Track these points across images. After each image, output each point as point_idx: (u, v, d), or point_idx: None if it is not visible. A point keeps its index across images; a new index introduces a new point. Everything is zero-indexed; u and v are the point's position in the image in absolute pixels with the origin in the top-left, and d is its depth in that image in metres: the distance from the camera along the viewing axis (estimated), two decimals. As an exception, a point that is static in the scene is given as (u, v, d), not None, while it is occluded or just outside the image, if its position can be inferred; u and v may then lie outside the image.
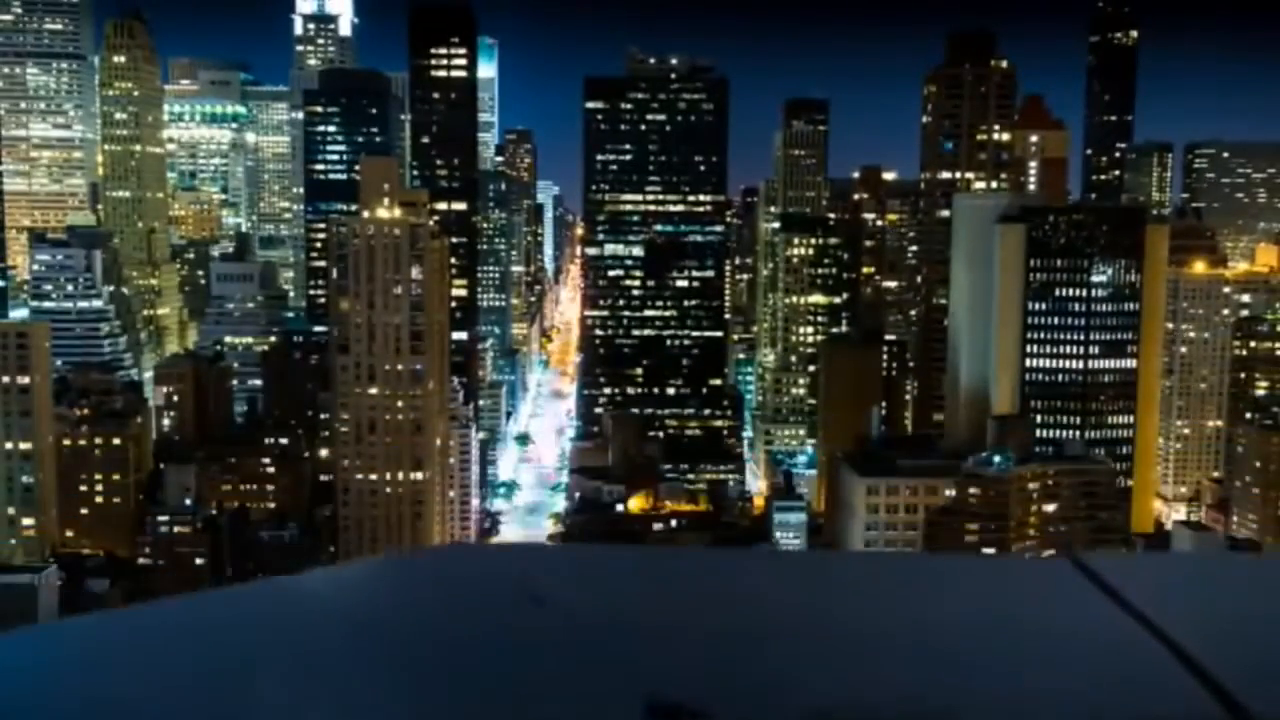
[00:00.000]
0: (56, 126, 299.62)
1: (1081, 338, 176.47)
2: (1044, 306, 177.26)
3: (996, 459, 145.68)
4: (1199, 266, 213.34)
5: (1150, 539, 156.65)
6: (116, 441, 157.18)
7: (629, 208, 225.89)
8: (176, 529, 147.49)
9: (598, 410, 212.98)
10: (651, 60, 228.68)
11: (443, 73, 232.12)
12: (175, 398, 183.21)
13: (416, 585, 4.73)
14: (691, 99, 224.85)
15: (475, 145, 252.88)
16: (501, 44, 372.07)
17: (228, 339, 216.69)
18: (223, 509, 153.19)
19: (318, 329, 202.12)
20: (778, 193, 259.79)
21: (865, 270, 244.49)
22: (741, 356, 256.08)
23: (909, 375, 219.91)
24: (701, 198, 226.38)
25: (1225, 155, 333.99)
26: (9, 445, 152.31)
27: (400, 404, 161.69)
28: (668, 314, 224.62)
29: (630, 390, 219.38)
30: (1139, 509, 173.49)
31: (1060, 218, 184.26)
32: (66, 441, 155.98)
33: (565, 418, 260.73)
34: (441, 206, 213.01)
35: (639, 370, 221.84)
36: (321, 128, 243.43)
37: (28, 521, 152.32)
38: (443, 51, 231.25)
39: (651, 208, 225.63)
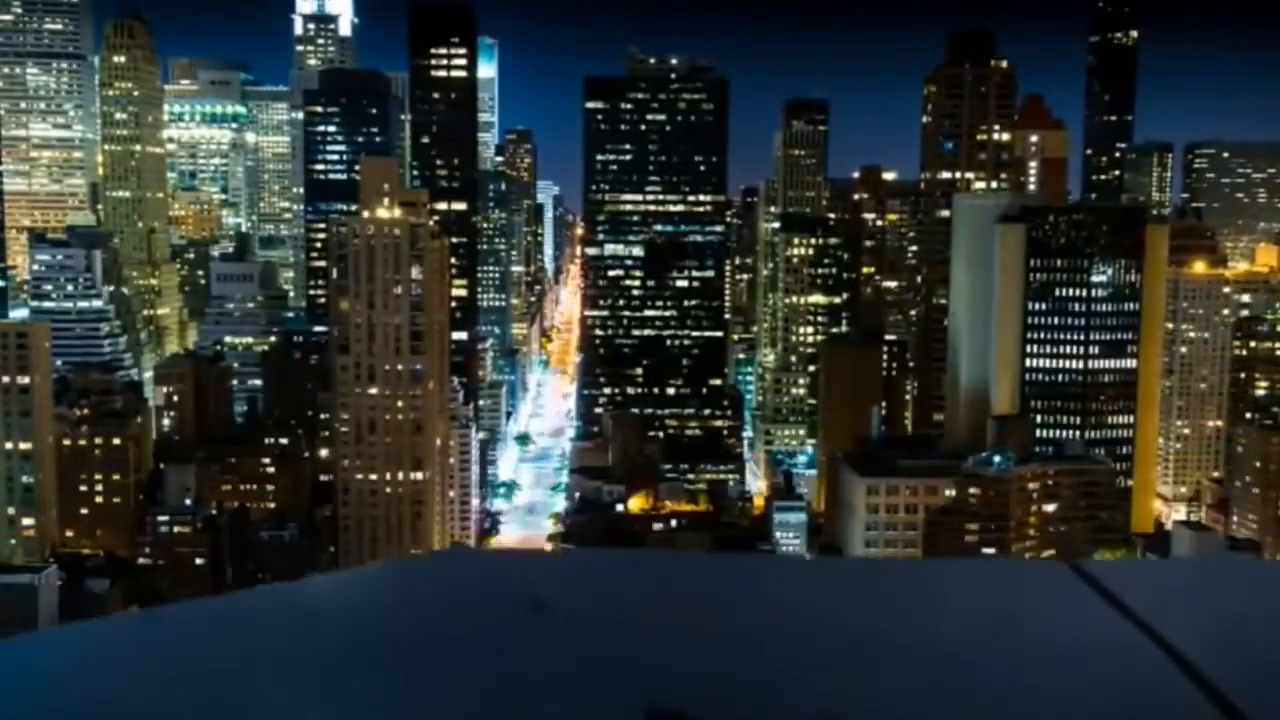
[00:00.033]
0: (56, 126, 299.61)
1: (1081, 338, 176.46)
2: (1044, 306, 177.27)
3: (996, 459, 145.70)
4: (1199, 266, 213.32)
5: (1150, 539, 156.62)
6: (116, 441, 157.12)
7: (629, 208, 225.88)
8: (176, 529, 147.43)
9: (598, 410, 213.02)
10: (651, 60, 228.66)
11: (443, 73, 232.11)
12: (175, 398, 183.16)
13: (418, 591, 4.74)
14: (691, 99, 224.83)
15: (475, 145, 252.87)
16: (501, 44, 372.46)
17: (228, 339, 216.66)
18: (223, 509, 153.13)
19: (318, 329, 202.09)
20: (778, 193, 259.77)
21: (865, 270, 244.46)
22: (741, 356, 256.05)
23: (909, 375, 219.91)
24: (701, 198, 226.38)
25: (1225, 155, 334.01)
26: (9, 445, 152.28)
27: (400, 404, 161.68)
28: (668, 314, 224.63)
29: (630, 390, 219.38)
30: (1139, 509, 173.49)
31: (1060, 218, 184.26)
32: (66, 441, 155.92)
33: (565, 418, 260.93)
34: (441, 206, 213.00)
35: (639, 370, 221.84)
36: (321, 128, 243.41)
37: (28, 521, 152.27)
38: (443, 51, 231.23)
39: (651, 208, 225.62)
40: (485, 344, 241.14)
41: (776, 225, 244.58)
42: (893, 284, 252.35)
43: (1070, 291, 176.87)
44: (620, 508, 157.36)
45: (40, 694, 3.65)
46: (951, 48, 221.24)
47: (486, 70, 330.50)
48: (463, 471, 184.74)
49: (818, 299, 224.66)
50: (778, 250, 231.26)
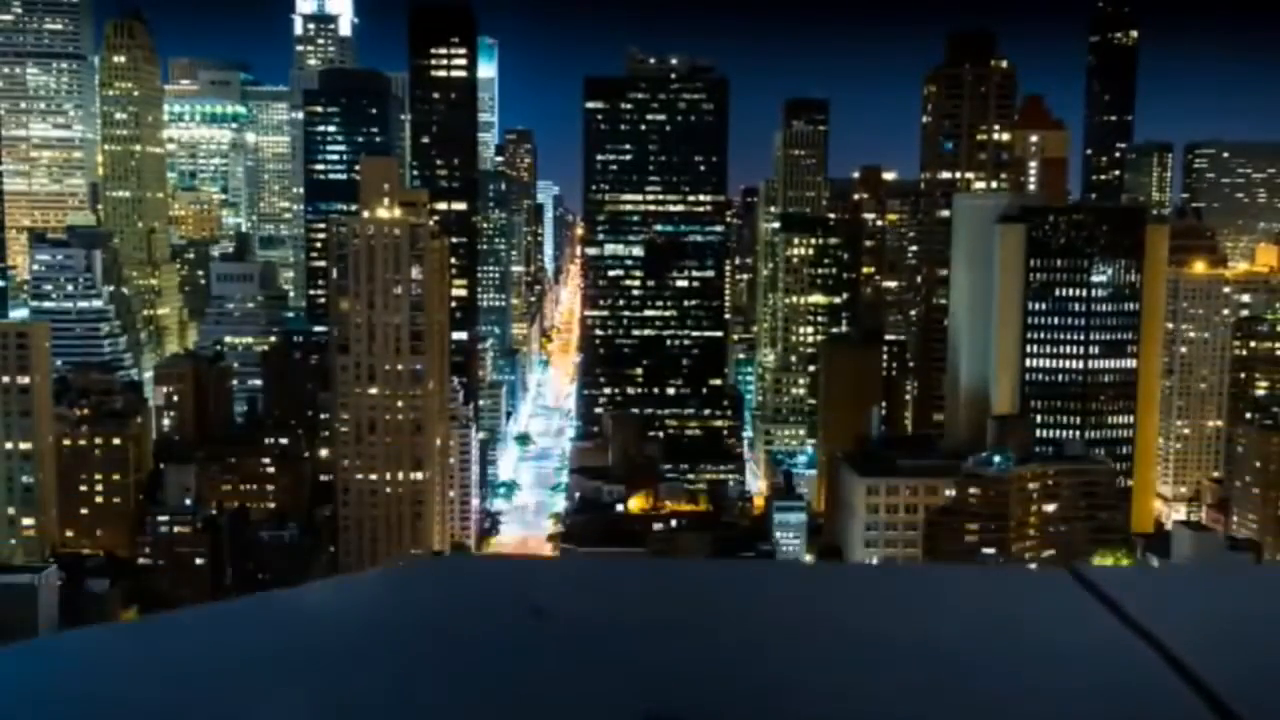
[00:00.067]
0: (56, 126, 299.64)
1: (1081, 338, 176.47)
2: (1044, 306, 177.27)
3: (996, 459, 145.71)
4: (1199, 266, 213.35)
5: (1150, 539, 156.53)
6: (116, 441, 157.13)
7: (629, 208, 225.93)
8: (176, 529, 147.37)
9: (598, 410, 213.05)
10: (651, 60, 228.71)
11: (443, 73, 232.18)
12: (175, 398, 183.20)
13: (416, 596, 4.75)
14: (691, 99, 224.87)
15: (475, 145, 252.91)
16: (501, 44, 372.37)
17: (228, 339, 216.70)
18: (223, 509, 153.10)
19: (318, 329, 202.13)
20: (778, 193, 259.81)
21: (865, 270, 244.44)
22: (741, 356, 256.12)
23: (909, 375, 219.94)
24: (701, 198, 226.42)
25: (1225, 155, 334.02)
26: (9, 445, 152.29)
27: (400, 404, 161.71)
28: (668, 314, 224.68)
29: (630, 390, 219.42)
30: (1139, 509, 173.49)
31: (1060, 218, 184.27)
32: (66, 441, 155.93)
33: (565, 418, 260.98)
34: (441, 206, 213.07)
35: (639, 370, 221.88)
36: (321, 128, 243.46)
37: (28, 521, 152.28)
38: (443, 51, 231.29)
39: (651, 208, 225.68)
40: (485, 344, 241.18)
41: (776, 225, 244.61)
42: (893, 284, 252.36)
43: (1070, 291, 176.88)
44: (620, 508, 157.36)
45: (39, 700, 3.66)
46: (951, 48, 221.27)
47: (486, 70, 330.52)
48: (463, 471, 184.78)
49: (818, 299, 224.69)
50: (778, 250, 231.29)
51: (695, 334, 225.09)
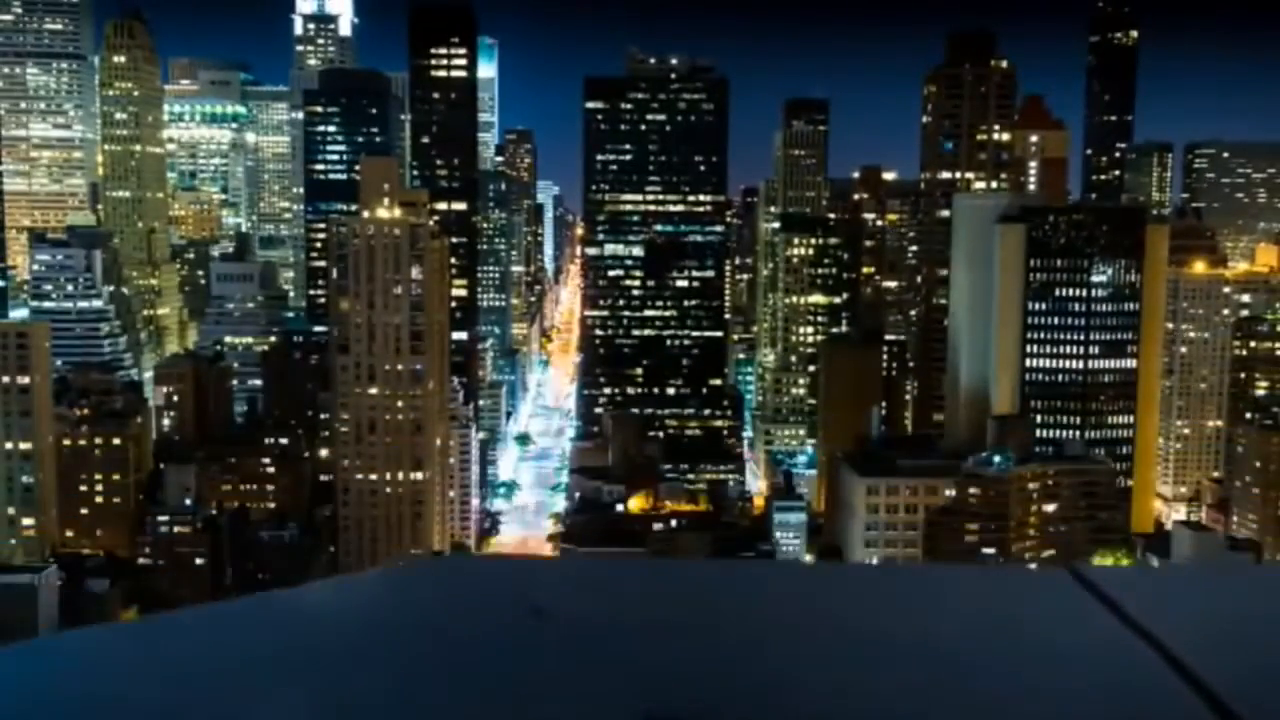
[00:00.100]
0: (56, 126, 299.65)
1: (1081, 338, 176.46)
2: (1044, 306, 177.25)
3: (996, 459, 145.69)
4: (1199, 266, 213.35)
5: (1150, 539, 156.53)
6: (116, 441, 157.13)
7: (629, 208, 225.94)
8: (176, 529, 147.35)
9: (598, 410, 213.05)
10: (651, 60, 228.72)
11: (443, 73, 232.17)
12: (175, 398, 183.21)
13: (416, 597, 4.75)
14: (691, 99, 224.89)
15: (475, 145, 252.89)
16: (501, 44, 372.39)
17: (228, 339, 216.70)
18: (223, 509, 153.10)
19: (318, 329, 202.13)
20: (778, 193, 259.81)
21: (865, 270, 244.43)
22: (741, 356, 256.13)
23: (909, 375, 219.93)
24: (701, 198, 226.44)
25: (1225, 155, 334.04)
26: (9, 445, 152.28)
27: (400, 404, 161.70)
28: (668, 314, 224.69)
29: (630, 390, 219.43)
30: (1139, 509, 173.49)
31: (1060, 218, 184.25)
32: (66, 441, 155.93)
33: (565, 418, 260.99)
34: (441, 206, 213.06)
35: (639, 370, 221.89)
36: (321, 128, 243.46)
37: (28, 521, 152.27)
38: (443, 51, 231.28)
39: (651, 208, 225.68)
40: (485, 344, 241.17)
41: (776, 225, 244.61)
42: (893, 284, 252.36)
43: (1070, 291, 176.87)
44: (620, 508, 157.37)
45: (39, 699, 3.67)
46: (951, 48, 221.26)
47: (486, 70, 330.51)
48: (463, 471, 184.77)
49: (818, 299, 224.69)
50: (778, 250, 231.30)
51: (695, 334, 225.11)
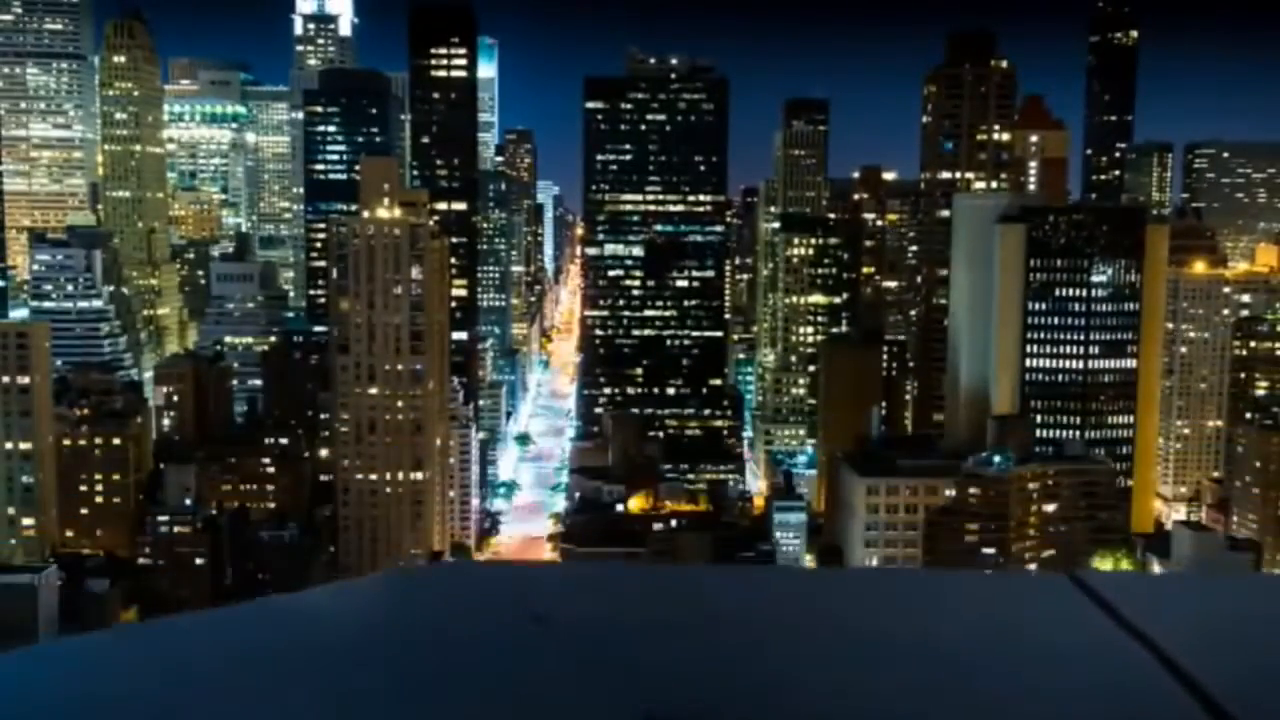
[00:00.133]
0: (56, 126, 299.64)
1: (1081, 338, 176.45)
2: (1044, 306, 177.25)
3: (996, 459, 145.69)
4: (1199, 266, 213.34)
5: (1150, 539, 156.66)
6: (116, 441, 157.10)
7: (629, 208, 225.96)
8: (176, 529, 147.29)
9: (598, 410, 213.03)
10: (651, 60, 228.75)
11: (443, 73, 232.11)
12: (175, 398, 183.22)
13: (418, 603, 4.76)
14: (691, 99, 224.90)
15: (475, 145, 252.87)
16: (501, 44, 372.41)
17: (228, 339, 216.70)
18: (223, 509, 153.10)
19: (318, 329, 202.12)
20: (778, 193, 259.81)
21: (865, 270, 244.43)
22: (741, 356, 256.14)
23: (909, 375, 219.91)
24: (701, 198, 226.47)
25: (1225, 155, 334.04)
26: (9, 445, 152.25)
27: (400, 404, 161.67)
28: (668, 314, 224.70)
29: (630, 390, 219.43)
30: (1139, 509, 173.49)
31: (1060, 218, 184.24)
32: (66, 441, 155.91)
33: (565, 419, 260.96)
34: (441, 206, 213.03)
35: (639, 370, 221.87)
36: (321, 128, 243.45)
37: (28, 521, 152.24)
38: (443, 51, 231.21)
39: (651, 208, 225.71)
40: (485, 344, 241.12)
41: (776, 225, 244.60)
42: (893, 284, 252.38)
43: (1070, 291, 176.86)
44: (620, 508, 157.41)
45: (43, 703, 3.69)
46: (951, 48, 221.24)
47: (486, 70, 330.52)
48: (463, 471, 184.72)
49: (818, 299, 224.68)
50: (778, 250, 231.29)
51: (695, 334, 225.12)
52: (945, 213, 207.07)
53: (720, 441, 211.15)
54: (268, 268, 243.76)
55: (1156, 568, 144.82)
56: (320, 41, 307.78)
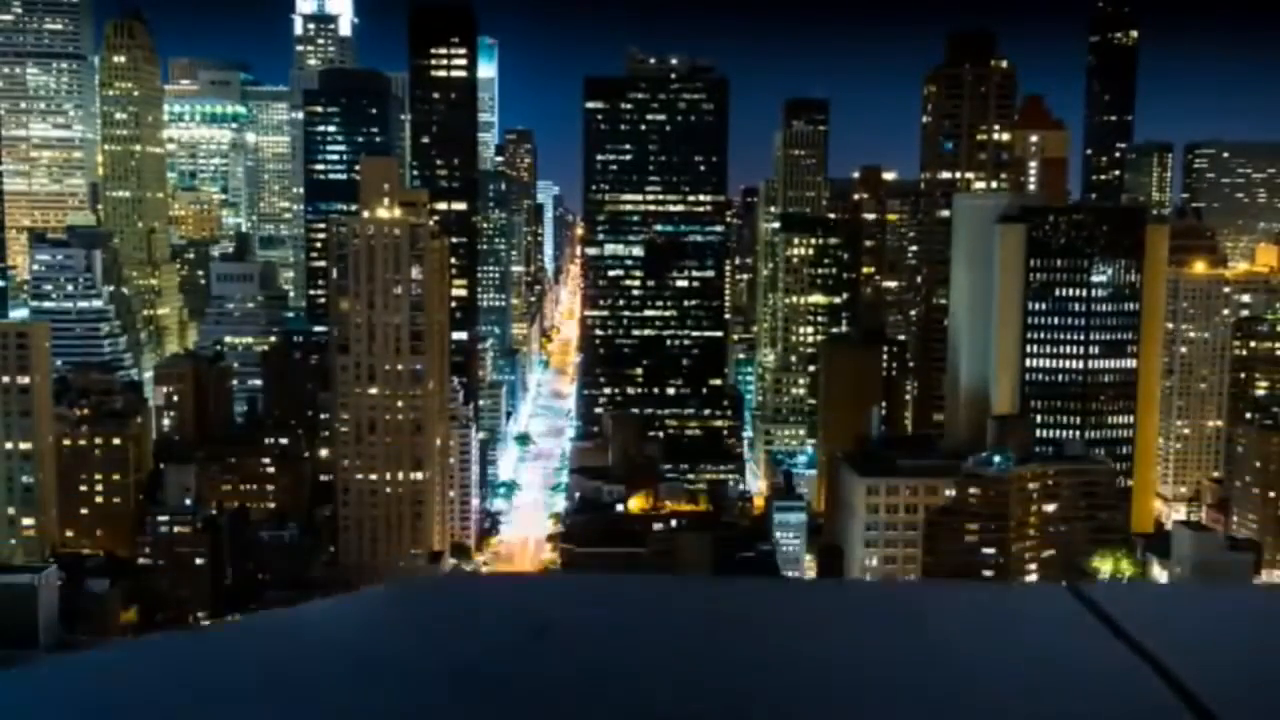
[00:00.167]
0: (56, 126, 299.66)
1: (1081, 338, 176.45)
2: (1044, 306, 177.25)
3: (996, 459, 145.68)
4: (1199, 266, 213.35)
5: (1150, 539, 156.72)
6: (116, 441, 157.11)
7: (629, 208, 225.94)
8: (176, 529, 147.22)
9: (598, 410, 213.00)
10: (651, 60, 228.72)
11: (443, 73, 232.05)
12: (175, 398, 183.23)
13: (417, 617, 4.75)
14: (691, 99, 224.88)
15: (475, 145, 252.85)
16: (501, 44, 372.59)
17: (228, 339, 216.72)
18: (223, 509, 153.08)
19: (318, 329, 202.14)
20: (778, 193, 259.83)
21: (865, 270, 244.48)
22: (741, 356, 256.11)
23: (909, 375, 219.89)
24: (701, 198, 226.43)
25: (1225, 155, 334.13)
26: (9, 445, 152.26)
27: (400, 404, 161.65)
28: (668, 314, 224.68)
29: (630, 390, 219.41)
30: (1139, 509, 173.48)
31: (1060, 218, 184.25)
32: (66, 441, 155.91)
33: (565, 419, 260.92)
34: (441, 206, 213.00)
35: (639, 370, 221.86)
36: (321, 128, 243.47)
37: (28, 521, 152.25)
38: (443, 51, 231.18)
39: (651, 208, 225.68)
40: (485, 344, 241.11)
41: (776, 225, 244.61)
42: (893, 284, 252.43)
43: (1070, 291, 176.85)
44: (620, 508, 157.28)
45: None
46: (951, 48, 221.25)
47: (486, 70, 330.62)
48: (463, 471, 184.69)
49: (818, 299, 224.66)
50: (778, 250, 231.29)
51: (695, 334, 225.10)
52: (945, 213, 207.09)
53: (720, 441, 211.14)
54: (268, 268, 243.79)
55: (1156, 568, 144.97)
56: (320, 41, 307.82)
